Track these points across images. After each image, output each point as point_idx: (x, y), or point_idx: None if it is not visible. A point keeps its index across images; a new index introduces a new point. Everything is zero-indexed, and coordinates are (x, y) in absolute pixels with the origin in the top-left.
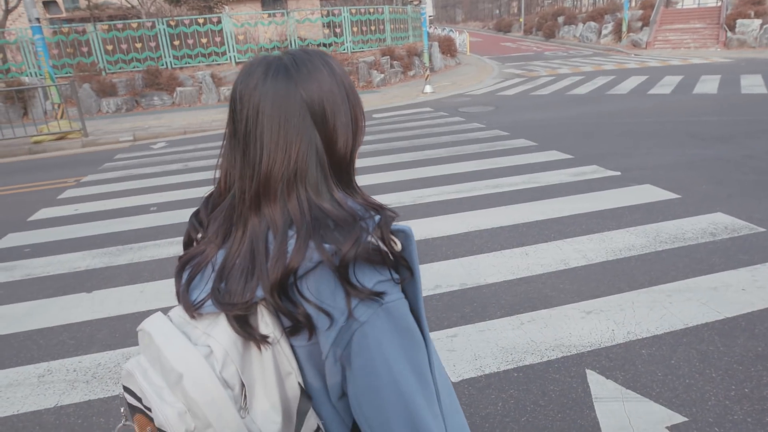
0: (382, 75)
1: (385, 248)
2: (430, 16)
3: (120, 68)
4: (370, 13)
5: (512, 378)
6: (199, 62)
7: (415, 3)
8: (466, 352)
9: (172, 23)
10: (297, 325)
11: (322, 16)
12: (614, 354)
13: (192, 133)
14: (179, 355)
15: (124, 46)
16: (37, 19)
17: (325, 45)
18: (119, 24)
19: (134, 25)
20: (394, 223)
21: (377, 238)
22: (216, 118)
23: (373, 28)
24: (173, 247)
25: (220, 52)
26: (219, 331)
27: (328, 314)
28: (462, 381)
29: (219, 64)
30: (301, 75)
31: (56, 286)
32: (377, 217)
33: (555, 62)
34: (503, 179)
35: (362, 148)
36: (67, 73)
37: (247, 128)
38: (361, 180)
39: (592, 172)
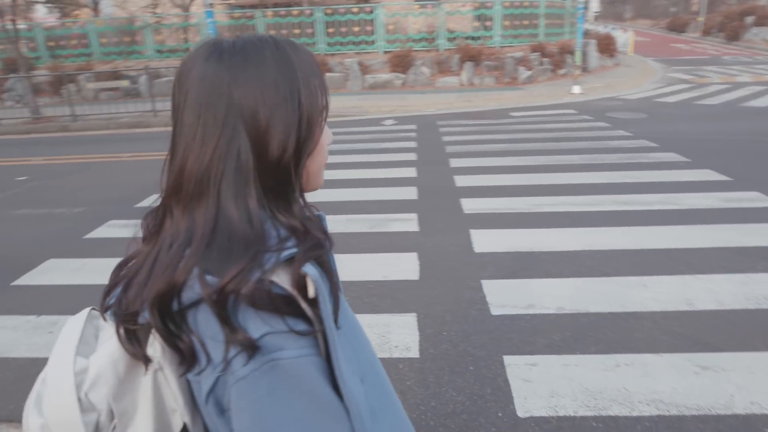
0: (530, 72)
1: (289, 292)
2: (595, 12)
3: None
4: (524, 6)
5: (589, 427)
6: (350, 49)
7: None
8: (543, 386)
9: (329, 11)
10: (180, 354)
11: (474, 9)
12: (727, 426)
13: (331, 117)
14: (53, 364)
15: (284, 32)
16: (210, 5)
17: (473, 38)
18: (282, 11)
19: (295, 13)
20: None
21: (289, 276)
22: (355, 105)
23: (525, 22)
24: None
25: (369, 41)
26: (107, 345)
27: (207, 355)
28: (529, 418)
29: (367, 53)
30: (235, 62)
31: None
32: (287, 253)
33: (734, 68)
34: (637, 196)
35: (488, 147)
36: None
37: (176, 114)
38: (481, 180)
39: (751, 199)
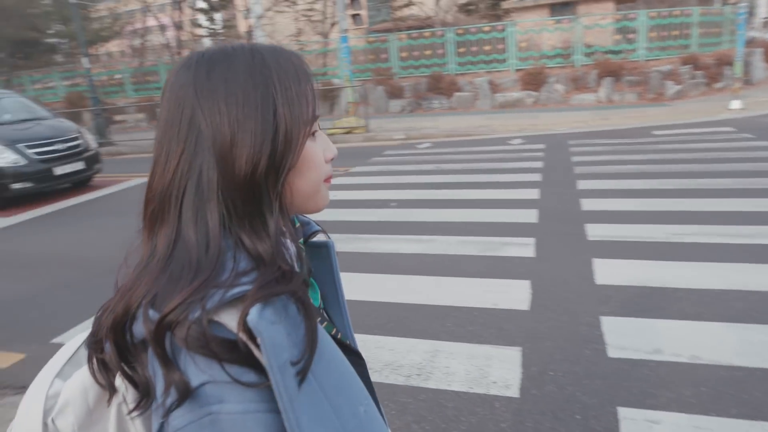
0: (679, 86)
1: (234, 336)
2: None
3: (409, 73)
4: (674, 15)
5: None
6: (480, 68)
7: (733, 2)
8: None
9: (460, 32)
10: (135, 388)
11: (615, 21)
12: None
13: (457, 136)
14: (33, 383)
15: (415, 53)
16: (345, 30)
17: (613, 52)
18: (414, 33)
19: (427, 35)
20: (259, 308)
21: (237, 317)
22: (483, 124)
23: (675, 32)
24: (394, 244)
25: (500, 59)
26: (80, 372)
27: (153, 395)
28: None
29: (498, 71)
30: (199, 72)
31: None
32: (236, 291)
33: None
34: None
35: (623, 168)
36: (367, 76)
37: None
38: (611, 204)
39: None
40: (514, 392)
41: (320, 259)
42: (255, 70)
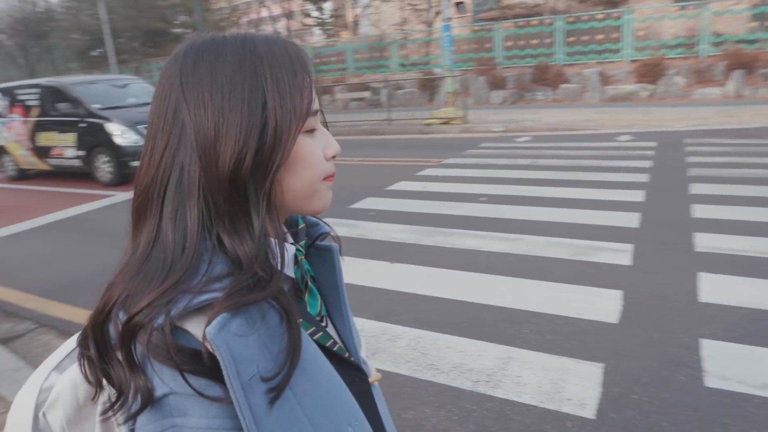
0: None
1: (198, 346)
2: None
3: (513, 63)
4: None
5: None
6: (591, 59)
7: None
8: None
9: (571, 20)
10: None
11: (751, 7)
12: None
13: (559, 130)
14: (32, 376)
15: (521, 43)
16: (448, 19)
17: (747, 41)
18: (521, 22)
19: (534, 23)
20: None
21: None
22: (590, 118)
23: None
24: (477, 240)
25: (613, 49)
26: (73, 367)
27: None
28: None
29: (610, 62)
30: (186, 62)
31: (369, 250)
32: (203, 298)
33: None
34: None
35: (747, 172)
36: (469, 66)
37: None
38: (727, 212)
39: None
40: (589, 413)
41: (325, 264)
42: (244, 60)
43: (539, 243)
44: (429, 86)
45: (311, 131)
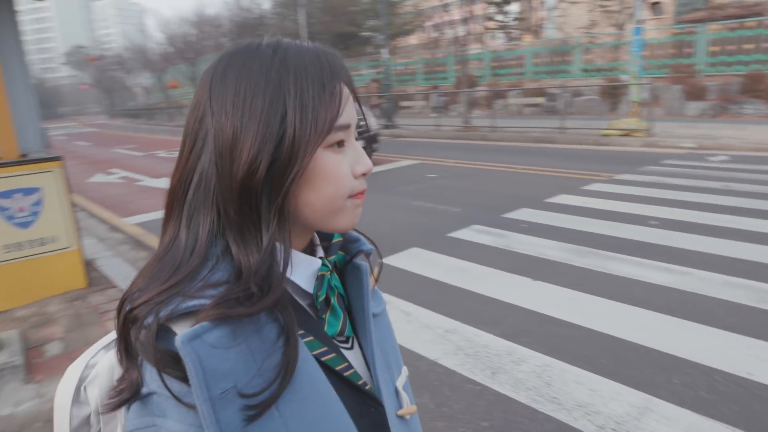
0: None
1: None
2: None
3: (718, 71)
4: None
5: None
6: None
7: None
8: None
9: None
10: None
11: None
12: None
13: (766, 151)
14: (86, 351)
15: (730, 47)
16: (641, 21)
17: None
18: (733, 23)
19: (750, 24)
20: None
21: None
22: None
23: None
24: (637, 269)
25: None
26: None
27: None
28: None
29: None
30: (217, 71)
31: (513, 263)
32: (191, 303)
33: None
34: None
35: None
36: (663, 73)
37: None
38: None
39: None
40: None
41: (357, 282)
42: (271, 70)
43: (714, 281)
44: (612, 94)
45: (338, 146)
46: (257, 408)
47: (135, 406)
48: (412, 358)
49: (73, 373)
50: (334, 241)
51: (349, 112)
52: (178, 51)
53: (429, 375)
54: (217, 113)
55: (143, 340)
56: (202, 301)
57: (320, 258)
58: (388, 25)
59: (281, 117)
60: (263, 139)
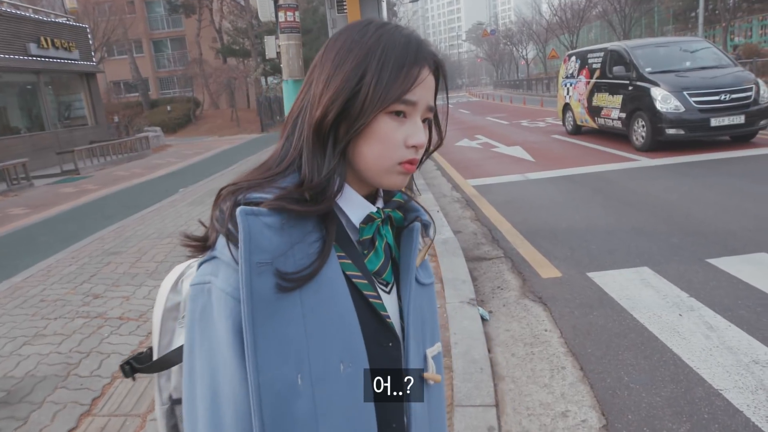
0: None
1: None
2: None
3: None
4: None
5: None
6: None
7: None
8: None
9: None
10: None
11: None
12: None
13: None
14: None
15: None
16: None
17: None
18: None
19: None
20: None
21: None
22: None
23: None
24: None
25: None
26: None
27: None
28: None
29: None
30: (337, 37)
31: None
32: (261, 195)
33: None
34: None
35: None
36: None
37: None
38: None
39: None
40: None
41: (409, 241)
42: (367, 42)
43: None
44: None
45: (400, 116)
46: (285, 285)
47: (204, 266)
48: (689, 379)
49: (179, 268)
50: (395, 199)
51: (421, 93)
52: (562, 21)
53: (701, 404)
54: (320, 67)
55: (218, 215)
56: (269, 195)
57: (378, 207)
58: None
59: (359, 78)
60: (341, 91)
